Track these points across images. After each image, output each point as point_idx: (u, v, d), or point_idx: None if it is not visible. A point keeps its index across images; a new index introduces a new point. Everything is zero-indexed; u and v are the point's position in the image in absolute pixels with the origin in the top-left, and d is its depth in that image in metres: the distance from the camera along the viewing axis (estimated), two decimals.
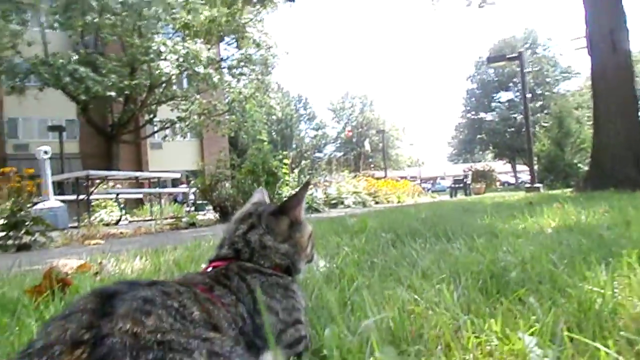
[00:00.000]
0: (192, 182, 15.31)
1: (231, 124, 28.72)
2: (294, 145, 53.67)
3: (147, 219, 13.46)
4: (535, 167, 20.11)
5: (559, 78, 50.39)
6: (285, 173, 11.96)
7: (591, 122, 29.37)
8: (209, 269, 1.13)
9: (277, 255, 1.16)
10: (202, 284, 0.98)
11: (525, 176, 45.29)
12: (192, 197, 17.96)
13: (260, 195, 1.40)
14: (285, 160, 12.09)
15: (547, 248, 2.18)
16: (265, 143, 12.61)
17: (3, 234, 5.62)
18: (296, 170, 13.58)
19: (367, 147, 30.70)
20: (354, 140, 63.31)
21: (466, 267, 1.90)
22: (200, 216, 11.05)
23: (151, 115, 26.47)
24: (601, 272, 1.50)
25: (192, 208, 15.51)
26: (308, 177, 13.81)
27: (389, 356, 0.94)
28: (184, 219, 9.69)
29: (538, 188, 15.26)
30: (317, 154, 59.84)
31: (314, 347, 1.08)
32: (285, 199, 1.23)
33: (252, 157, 11.70)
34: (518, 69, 19.23)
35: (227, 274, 1.05)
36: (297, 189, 1.24)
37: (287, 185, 12.36)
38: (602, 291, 1.30)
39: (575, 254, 1.99)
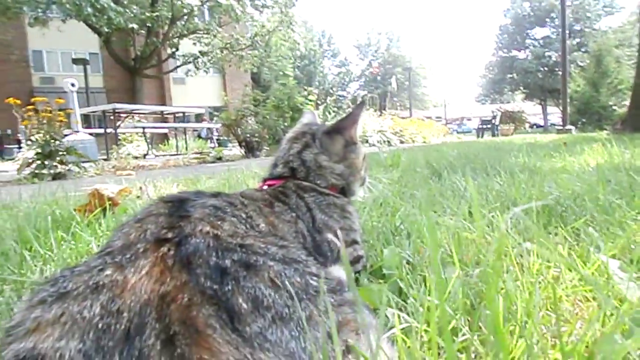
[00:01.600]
0: (217, 117, 15.32)
1: (254, 59, 28.13)
2: (317, 82, 52.69)
3: (172, 153, 13.64)
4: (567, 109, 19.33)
5: (600, 13, 47.01)
6: (310, 110, 11.81)
7: (632, 62, 27.76)
8: (264, 187, 1.11)
9: (332, 175, 1.13)
10: (261, 200, 0.96)
11: (555, 118, 43.85)
12: (215, 132, 18.05)
13: (310, 115, 1.35)
14: (311, 97, 11.86)
15: (595, 184, 2.10)
16: (291, 78, 12.36)
17: (38, 163, 5.77)
18: (321, 107, 13.37)
19: (394, 84, 29.76)
20: (379, 78, 61.64)
21: (514, 199, 1.85)
22: (225, 151, 11.13)
23: (173, 49, 26.06)
24: None
25: (216, 144, 15.63)
26: (334, 114, 13.60)
27: (452, 276, 0.92)
28: (211, 154, 9.78)
29: (570, 130, 14.77)
30: (341, 92, 58.82)
31: (373, 267, 1.06)
32: (340, 118, 1.18)
33: (277, 93, 11.54)
34: (557, 2, 17.99)
35: (285, 192, 1.03)
36: (351, 108, 1.18)
37: None
38: None
39: (626, 191, 1.90)
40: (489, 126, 22.84)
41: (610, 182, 2.25)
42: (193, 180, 3.04)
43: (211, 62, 27.35)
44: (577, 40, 43.26)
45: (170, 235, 0.61)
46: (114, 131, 11.35)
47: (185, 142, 15.00)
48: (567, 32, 16.10)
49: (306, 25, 57.43)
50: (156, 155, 11.97)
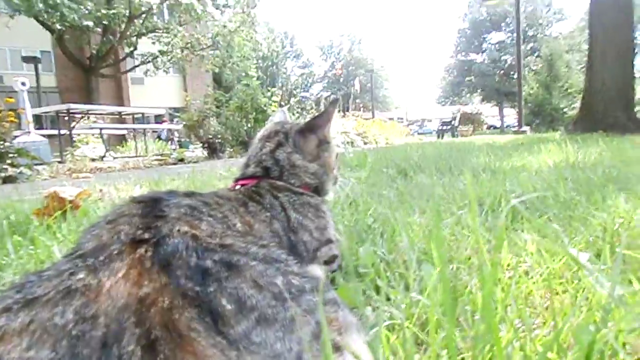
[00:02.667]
0: (178, 118, 14.96)
1: (215, 60, 27.69)
2: (279, 83, 52.48)
3: (131, 155, 13.23)
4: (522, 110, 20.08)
5: (551, 20, 49.26)
6: (274, 110, 11.73)
7: (580, 67, 29.16)
8: (237, 187, 1.08)
9: (306, 175, 1.12)
10: (235, 199, 0.93)
11: (511, 120, 45.46)
12: (176, 134, 17.63)
13: (282, 114, 1.34)
14: (275, 97, 11.81)
15: (554, 182, 2.18)
16: (254, 79, 12.26)
17: None
18: (285, 108, 13.29)
19: (357, 86, 30.08)
20: (342, 80, 62.09)
21: (479, 197, 1.90)
22: (187, 153, 10.91)
23: (131, 48, 25.28)
24: (621, 201, 1.50)
25: (177, 145, 15.28)
26: (298, 115, 13.59)
27: (429, 272, 0.93)
28: (172, 155, 9.56)
29: (525, 131, 15.34)
30: (304, 93, 58.77)
31: (348, 266, 1.06)
32: (313, 117, 1.17)
33: (240, 94, 11.42)
34: (511, 9, 18.67)
35: (258, 192, 1.01)
36: (324, 107, 1.17)
37: None
38: (626, 219, 1.30)
39: (584, 188, 1.99)
40: (449, 127, 23.46)
41: (567, 179, 2.35)
42: (156, 181, 2.95)
43: (171, 61, 26.71)
44: (531, 45, 45.06)
45: (147, 235, 0.58)
46: (68, 132, 10.89)
47: (145, 143, 14.58)
48: (521, 37, 16.73)
49: (268, 25, 57.17)
50: (114, 157, 11.58)
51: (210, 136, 10.47)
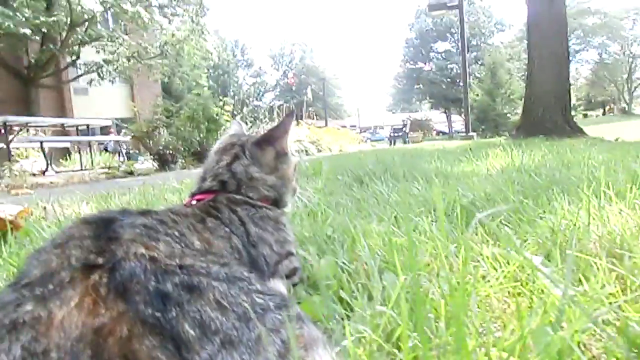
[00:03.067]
0: (125, 129, 14.45)
1: (164, 69, 26.99)
2: (231, 92, 51.93)
3: (76, 169, 12.61)
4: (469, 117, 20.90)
5: (493, 30, 51.83)
6: (227, 120, 11.58)
7: (520, 74, 30.68)
8: (193, 202, 1.05)
9: (264, 187, 1.10)
10: (192, 216, 0.90)
11: (458, 126, 47.19)
12: (124, 145, 17.01)
13: (237, 126, 1.32)
14: (227, 107, 11.67)
15: (502, 186, 2.27)
16: (205, 88, 12.07)
17: None
18: (238, 117, 13.19)
19: (310, 94, 30.29)
20: (294, 88, 62.30)
21: (433, 203, 1.94)
22: (137, 165, 10.54)
23: (74, 57, 24.19)
24: (565, 204, 1.58)
25: (125, 157, 14.74)
26: (251, 124, 13.48)
27: (391, 281, 0.93)
28: (121, 168, 9.20)
29: (472, 136, 15.96)
30: (256, 102, 58.44)
31: (309, 279, 1.05)
32: (270, 128, 1.15)
33: (190, 103, 11.20)
34: (455, 18, 19.46)
35: (216, 206, 0.99)
36: (281, 118, 1.16)
37: None
38: (572, 220, 1.36)
39: (530, 191, 2.08)
40: (400, 134, 24.05)
41: (515, 183, 2.45)
42: (105, 197, 2.82)
43: (117, 71, 25.75)
44: (474, 54, 47.11)
45: (100, 260, 0.54)
46: (5, 146, 10.25)
47: (91, 156, 13.96)
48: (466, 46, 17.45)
49: (218, 34, 56.47)
50: (57, 172, 10.99)
51: (161, 147, 10.19)
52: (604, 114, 56.30)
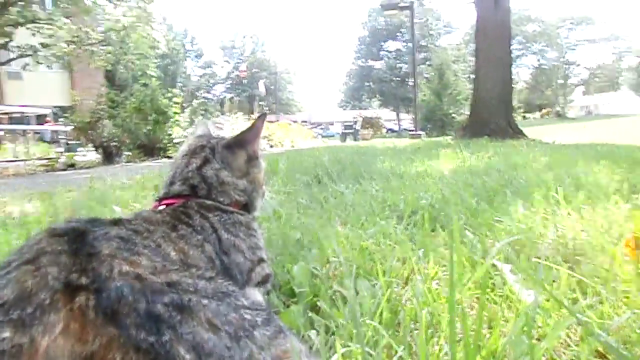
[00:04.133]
0: (65, 118, 13.63)
1: (107, 56, 25.70)
2: (180, 83, 50.41)
3: (10, 159, 11.78)
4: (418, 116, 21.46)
5: (441, 31, 53.52)
6: (175, 112, 11.23)
7: (466, 76, 31.78)
8: (161, 208, 1.00)
9: (236, 192, 1.08)
10: (163, 223, 0.87)
11: (406, 124, 48.40)
12: (63, 136, 16.08)
13: (204, 127, 1.27)
14: (176, 99, 11.30)
15: (457, 188, 2.35)
16: (154, 79, 11.65)
17: None
18: (188, 110, 12.82)
19: (262, 88, 29.93)
20: (245, 81, 61.39)
21: (394, 204, 1.98)
22: (78, 157, 9.99)
23: (6, 39, 22.50)
24: (519, 207, 1.66)
25: (65, 149, 13.94)
26: (201, 117, 13.14)
27: (364, 287, 0.94)
28: (61, 160, 8.70)
29: (420, 135, 16.41)
30: (206, 94, 57.10)
31: (282, 286, 1.04)
32: (241, 131, 1.12)
33: (138, 94, 10.76)
34: (406, 19, 19.89)
35: (187, 212, 0.95)
36: (252, 121, 1.13)
37: (178, 125, 11.66)
38: (527, 224, 1.44)
39: (484, 193, 2.17)
40: (351, 131, 24.32)
41: (469, 185, 2.55)
42: (49, 193, 2.64)
43: (55, 56, 24.25)
44: (423, 54, 48.42)
45: (84, 280, 0.51)
46: None
47: (26, 146, 13.09)
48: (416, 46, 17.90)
49: (166, 22, 54.53)
50: None
51: (105, 139, 9.73)
52: (541, 116, 59.70)
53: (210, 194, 1.04)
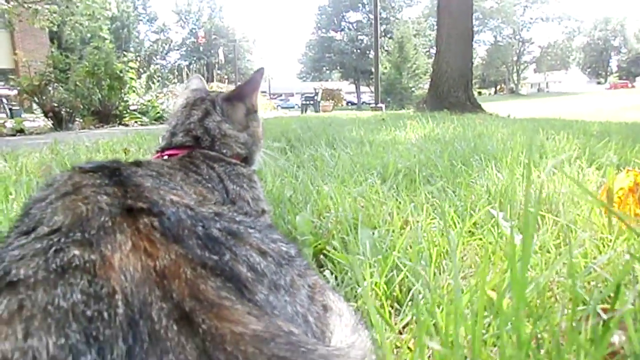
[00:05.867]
0: (8, 82, 12.77)
1: (52, 16, 24.06)
2: (132, 49, 48.09)
3: None
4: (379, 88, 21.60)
5: (402, 4, 53.53)
6: (132, 78, 10.76)
7: (425, 51, 32.06)
8: (165, 157, 1.01)
9: (237, 144, 1.09)
10: (175, 169, 0.87)
11: (366, 97, 48.67)
12: (5, 100, 15.11)
13: (197, 81, 1.26)
14: (132, 64, 10.81)
15: (430, 153, 2.44)
16: (108, 41, 11.07)
17: None
18: (144, 76, 12.32)
19: (221, 56, 29.08)
20: (201, 49, 59.34)
21: (372, 167, 2.04)
22: (27, 123, 9.44)
23: None
24: (492, 168, 1.75)
25: (9, 114, 13.13)
26: (158, 83, 12.69)
27: (366, 235, 0.99)
28: (7, 125, 8.20)
29: (381, 108, 16.58)
30: (160, 61, 54.90)
31: (285, 234, 1.07)
32: (239, 85, 1.12)
33: (91, 57, 10.19)
34: None
35: (193, 162, 0.96)
36: (251, 75, 1.14)
37: (134, 91, 11.21)
38: (503, 183, 1.53)
39: (457, 159, 2.26)
40: (311, 102, 24.18)
41: (441, 151, 2.64)
42: (13, 154, 2.52)
43: None
44: (384, 27, 48.42)
45: (142, 205, 0.52)
46: None
47: None
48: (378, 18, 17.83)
49: None
50: None
51: (56, 104, 9.21)
52: (495, 92, 61.58)
53: (213, 145, 1.05)
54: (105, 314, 0.40)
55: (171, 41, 63.92)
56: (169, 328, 0.40)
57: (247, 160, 1.13)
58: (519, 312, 0.46)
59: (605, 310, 0.52)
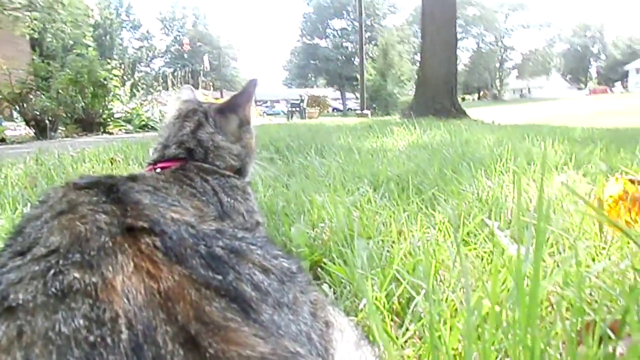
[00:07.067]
0: None
1: (33, 23, 23.72)
2: (115, 56, 47.67)
3: None
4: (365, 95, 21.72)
5: (386, 12, 54.11)
6: (115, 86, 10.64)
7: (410, 57, 32.39)
8: (157, 170, 0.99)
9: (230, 156, 1.08)
10: (173, 183, 0.86)
11: (351, 103, 48.88)
12: None
13: (189, 92, 1.25)
14: (116, 71, 10.70)
15: (419, 161, 2.45)
16: (91, 49, 10.95)
17: None
18: (128, 84, 12.19)
19: (207, 63, 28.96)
20: (186, 56, 59.07)
21: (362, 175, 2.04)
22: (8, 132, 9.26)
23: None
24: (482, 176, 1.77)
25: None
26: (142, 91, 12.57)
27: (362, 246, 0.99)
28: None
29: (367, 114, 16.68)
30: (144, 68, 54.51)
31: (280, 246, 1.06)
32: (232, 96, 1.12)
33: (73, 64, 10.06)
34: None
35: (187, 175, 0.95)
36: (244, 86, 1.13)
37: (118, 99, 11.09)
38: (494, 192, 1.54)
39: (446, 166, 2.28)
40: (297, 109, 24.19)
41: (430, 159, 2.66)
42: None
43: None
44: (369, 34, 48.81)
45: (143, 224, 0.51)
46: None
47: None
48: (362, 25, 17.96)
49: None
50: None
51: (38, 112, 9.06)
52: (479, 98, 62.37)
53: (207, 157, 1.03)
54: (109, 340, 0.39)
55: (155, 48, 63.56)
56: (175, 353, 0.39)
57: (240, 172, 1.12)
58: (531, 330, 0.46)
59: (614, 329, 0.53)
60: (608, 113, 14.97)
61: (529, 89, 70.50)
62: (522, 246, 0.87)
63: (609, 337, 0.50)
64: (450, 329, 0.58)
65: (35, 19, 23.58)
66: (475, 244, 1.07)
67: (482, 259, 1.00)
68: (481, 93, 63.18)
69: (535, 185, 1.67)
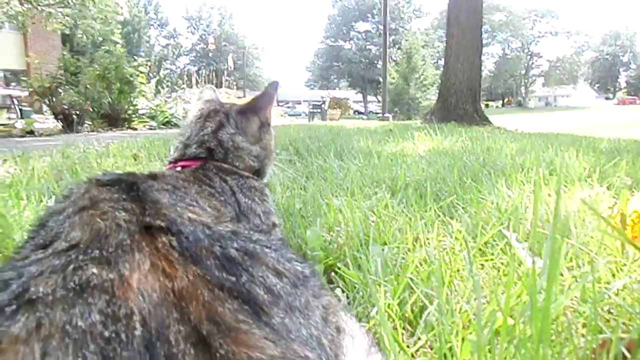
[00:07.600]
0: (20, 83, 12.91)
1: (65, 19, 24.32)
2: (142, 53, 48.57)
3: None
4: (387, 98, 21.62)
5: (411, 15, 53.84)
6: (141, 82, 10.84)
7: (433, 62, 32.16)
8: (178, 169, 1.01)
9: (250, 157, 1.09)
10: (189, 182, 0.88)
11: (373, 106, 48.75)
12: (16, 101, 15.27)
13: (211, 92, 1.27)
14: (142, 68, 10.89)
15: (439, 167, 2.43)
16: (119, 45, 11.17)
17: None
18: (154, 81, 12.41)
19: (231, 63, 29.30)
20: (211, 55, 59.80)
21: (380, 179, 2.04)
22: (36, 124, 9.52)
23: None
24: (503, 186, 1.74)
25: (19, 114, 13.25)
26: (167, 88, 12.77)
27: (377, 252, 0.99)
28: (17, 126, 8.28)
29: (388, 118, 16.61)
30: (170, 66, 55.38)
31: (295, 248, 1.07)
32: (253, 98, 1.13)
33: (102, 60, 10.29)
34: (377, 0, 19.71)
35: (206, 174, 0.96)
36: (265, 88, 1.14)
37: (143, 96, 11.29)
38: (514, 201, 1.52)
39: (466, 173, 2.25)
40: (319, 110, 24.22)
41: (450, 166, 2.63)
42: (24, 157, 2.54)
43: (7, 15, 22.76)
44: (393, 37, 48.64)
45: (161, 223, 0.52)
46: None
47: None
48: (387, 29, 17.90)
49: None
50: None
51: (66, 106, 9.29)
52: (503, 105, 61.49)
53: (226, 157, 1.05)
54: (123, 336, 0.40)
55: (181, 46, 64.53)
56: (186, 352, 0.40)
57: (258, 173, 1.13)
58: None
59: (630, 348, 0.52)
60: (637, 124, 14.57)
61: (555, 97, 69.15)
62: (538, 259, 0.86)
63: (624, 357, 0.49)
64: (462, 341, 0.58)
65: (67, 15, 24.18)
66: (492, 254, 1.06)
67: (499, 270, 0.99)
68: (505, 100, 62.25)
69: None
